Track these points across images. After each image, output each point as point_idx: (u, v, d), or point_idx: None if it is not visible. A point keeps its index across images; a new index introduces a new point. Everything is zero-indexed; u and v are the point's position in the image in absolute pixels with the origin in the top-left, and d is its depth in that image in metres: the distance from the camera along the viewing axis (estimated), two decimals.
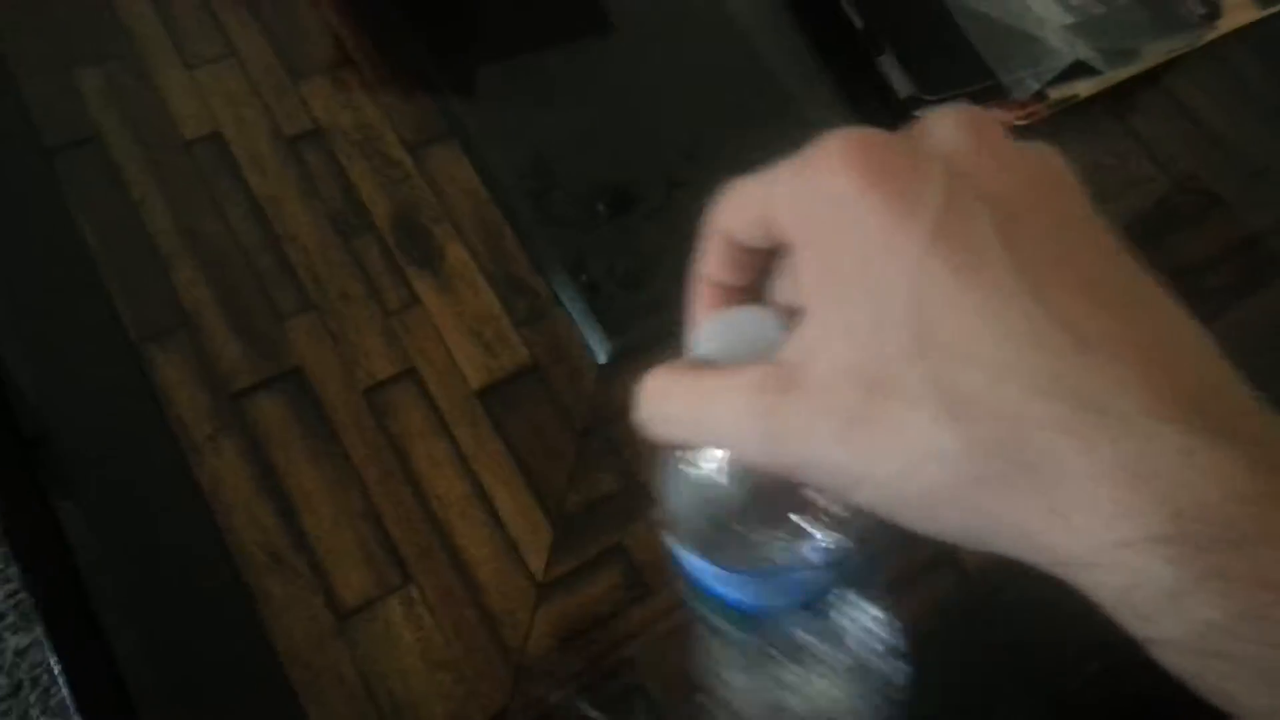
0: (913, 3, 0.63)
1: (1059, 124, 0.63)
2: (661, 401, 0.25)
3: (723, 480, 0.27)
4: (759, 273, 0.26)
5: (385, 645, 0.45)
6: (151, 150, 0.56)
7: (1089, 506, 0.19)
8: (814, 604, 0.31)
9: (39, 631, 0.57)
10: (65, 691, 0.42)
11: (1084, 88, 0.62)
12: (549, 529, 0.48)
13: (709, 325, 0.26)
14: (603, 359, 0.52)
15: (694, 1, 0.66)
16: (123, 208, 0.54)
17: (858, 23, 0.62)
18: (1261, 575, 0.18)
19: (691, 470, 0.27)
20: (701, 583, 0.30)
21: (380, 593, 0.46)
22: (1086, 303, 0.20)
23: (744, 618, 0.31)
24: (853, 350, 0.21)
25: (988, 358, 0.20)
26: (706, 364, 0.25)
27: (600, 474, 0.49)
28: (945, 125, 0.23)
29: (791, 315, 0.24)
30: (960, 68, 0.60)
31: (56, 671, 0.42)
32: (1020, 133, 0.62)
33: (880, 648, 0.36)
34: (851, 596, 0.33)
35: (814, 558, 0.27)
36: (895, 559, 0.29)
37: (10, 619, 0.58)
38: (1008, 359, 0.20)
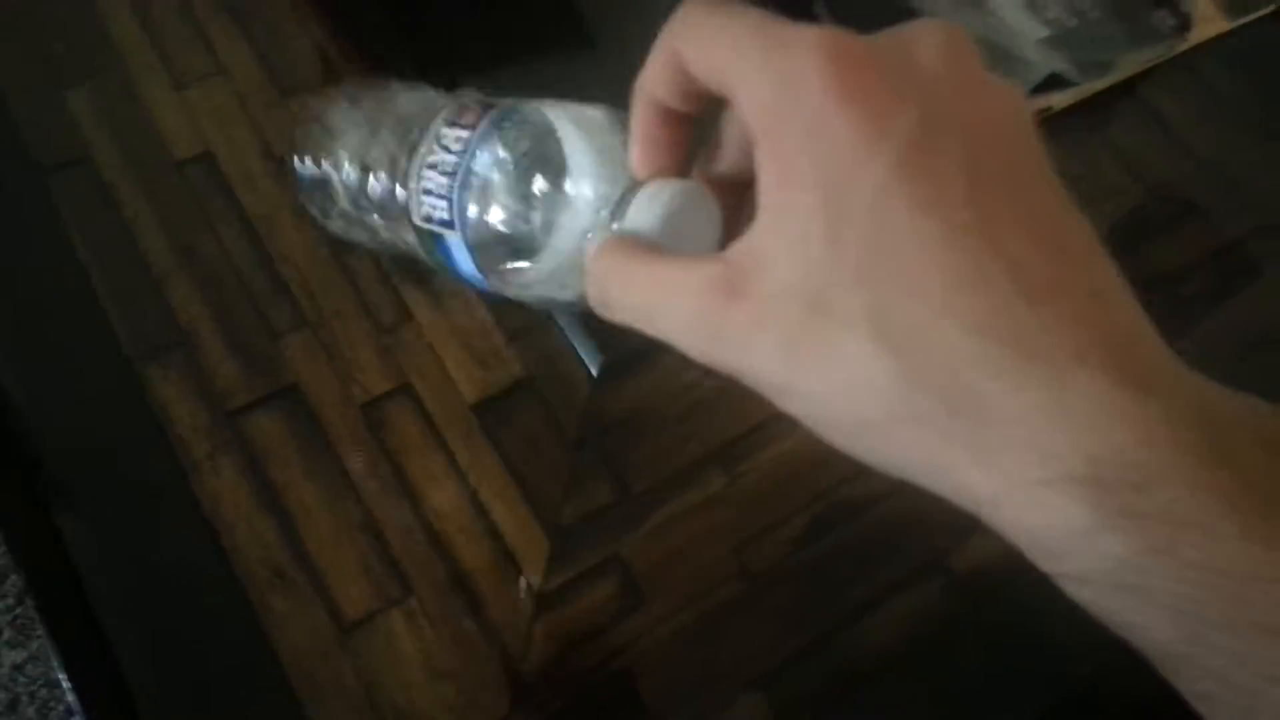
0: (887, 14, 0.64)
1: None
2: (615, 288, 0.26)
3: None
4: (701, 106, 0.26)
5: (387, 657, 0.45)
6: (143, 170, 0.57)
7: (1010, 447, 0.20)
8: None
9: (35, 646, 0.57)
10: (72, 700, 0.42)
11: (1059, 100, 0.64)
12: (546, 540, 0.48)
13: (648, 194, 0.27)
14: (595, 371, 0.53)
15: (674, 7, 0.67)
16: (116, 227, 0.55)
17: None
18: (1165, 514, 0.19)
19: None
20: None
21: (381, 605, 0.47)
22: (1033, 249, 0.21)
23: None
24: (801, 266, 0.22)
25: (931, 294, 0.21)
26: (652, 247, 0.26)
27: (595, 485, 0.50)
28: (930, 45, 0.23)
29: (728, 191, 0.25)
30: None
31: (64, 685, 0.42)
32: None
33: None
34: None
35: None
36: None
37: (7, 634, 0.59)
38: (950, 298, 0.20)
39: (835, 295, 0.21)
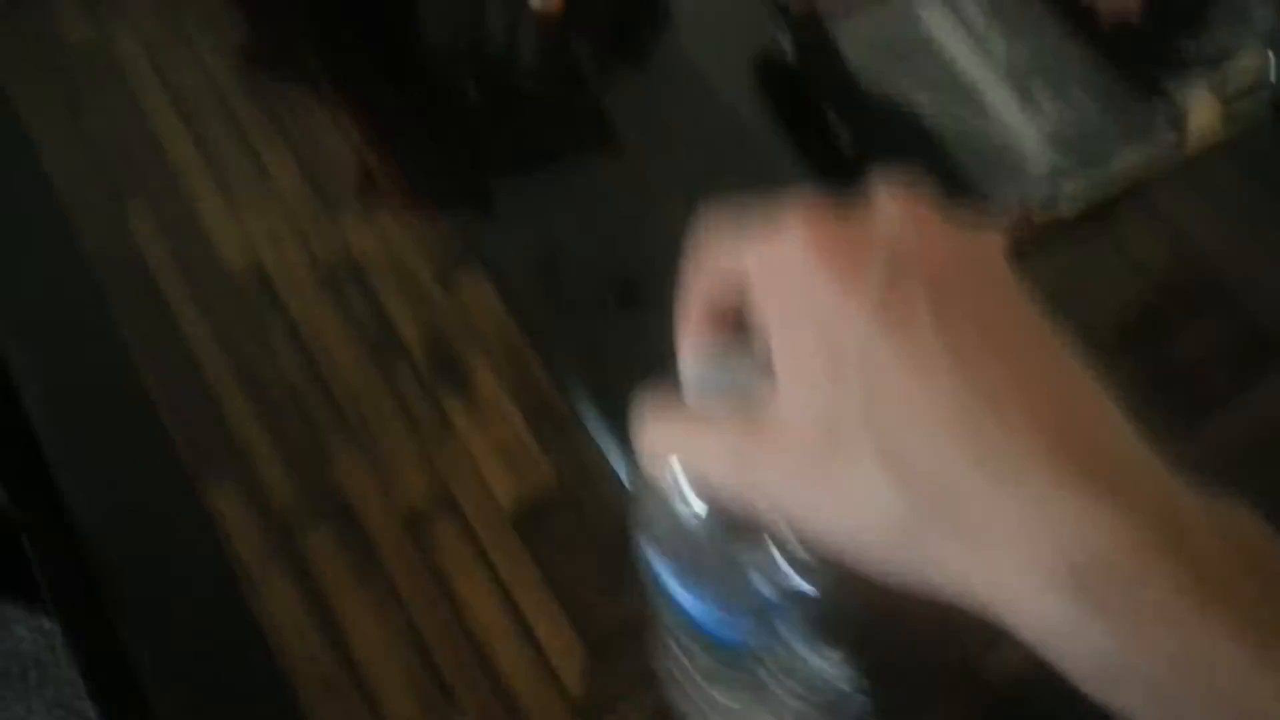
0: (897, 124, 0.67)
1: (1045, 238, 0.67)
2: (659, 444, 0.30)
3: (700, 512, 0.30)
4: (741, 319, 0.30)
5: None
6: (197, 281, 0.60)
7: (1003, 560, 0.23)
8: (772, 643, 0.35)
9: None
10: None
11: (1067, 206, 0.66)
12: (584, 652, 0.51)
13: (703, 372, 0.31)
14: (627, 480, 0.56)
15: (698, 120, 0.70)
16: (173, 341, 0.58)
17: (846, 146, 0.66)
18: (1142, 611, 0.22)
19: (674, 502, 0.31)
20: (672, 599, 0.33)
21: (427, 715, 0.49)
22: (998, 367, 0.24)
23: (706, 639, 0.35)
24: (813, 409, 0.25)
25: (918, 420, 0.24)
26: (694, 408, 0.30)
27: (631, 595, 0.52)
28: (890, 208, 0.26)
29: (762, 354, 0.28)
30: (945, 182, 0.64)
31: None
32: (1011, 245, 0.66)
33: (833, 681, 0.39)
34: (811, 641, 0.36)
35: (773, 592, 0.31)
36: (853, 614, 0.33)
37: None
38: (932, 421, 0.23)
39: (844, 430, 0.24)
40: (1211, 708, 0.22)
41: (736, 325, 0.31)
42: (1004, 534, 0.23)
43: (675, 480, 0.30)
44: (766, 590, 0.31)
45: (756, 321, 0.30)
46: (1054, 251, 0.67)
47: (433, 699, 0.49)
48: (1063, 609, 0.22)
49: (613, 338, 0.60)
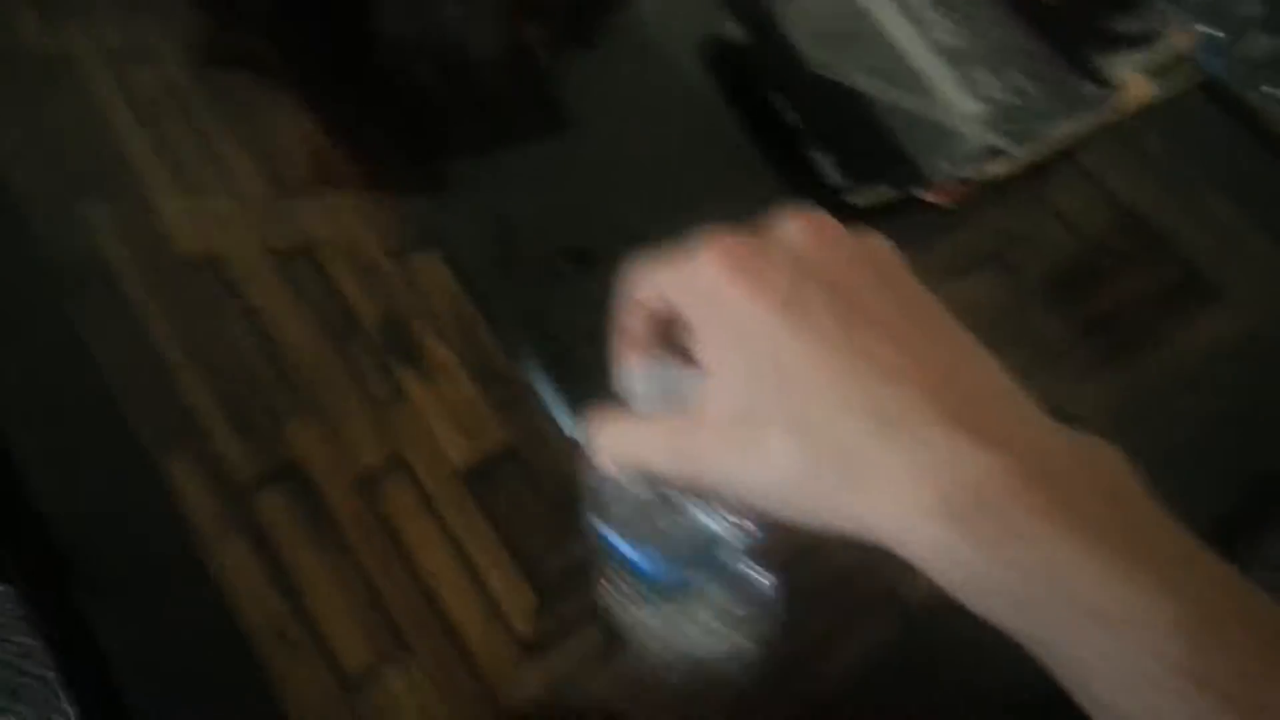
0: (839, 101, 0.70)
1: (980, 203, 0.69)
2: (611, 446, 0.36)
3: (642, 489, 0.38)
4: (672, 330, 0.36)
5: (389, 710, 0.49)
6: (151, 268, 0.62)
7: (890, 495, 0.27)
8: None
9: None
10: None
11: (999, 168, 0.69)
12: (533, 595, 0.52)
13: (643, 379, 0.37)
14: (574, 437, 0.57)
15: (650, 99, 0.72)
16: (127, 322, 0.59)
17: (792, 123, 0.69)
18: (1002, 531, 0.25)
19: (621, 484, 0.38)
20: (620, 556, 0.41)
21: (380, 661, 0.50)
22: (887, 344, 0.28)
23: (649, 582, 0.43)
24: (735, 395, 0.30)
25: (821, 394, 0.28)
26: (638, 413, 0.36)
27: (578, 542, 0.53)
28: (792, 227, 0.31)
29: (692, 362, 0.34)
30: (884, 159, 0.66)
31: None
32: (943, 214, 0.68)
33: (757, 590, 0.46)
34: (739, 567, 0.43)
35: (707, 538, 0.39)
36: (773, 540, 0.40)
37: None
38: (833, 394, 0.28)
39: (761, 410, 0.29)
40: (1065, 614, 0.25)
41: (666, 343, 0.36)
42: (889, 475, 0.27)
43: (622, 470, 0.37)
44: (701, 539, 0.39)
45: (685, 334, 0.35)
46: (988, 213, 0.70)
47: (387, 647, 0.51)
48: (939, 534, 0.26)
49: (565, 307, 0.62)
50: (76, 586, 0.51)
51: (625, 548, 0.41)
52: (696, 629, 0.46)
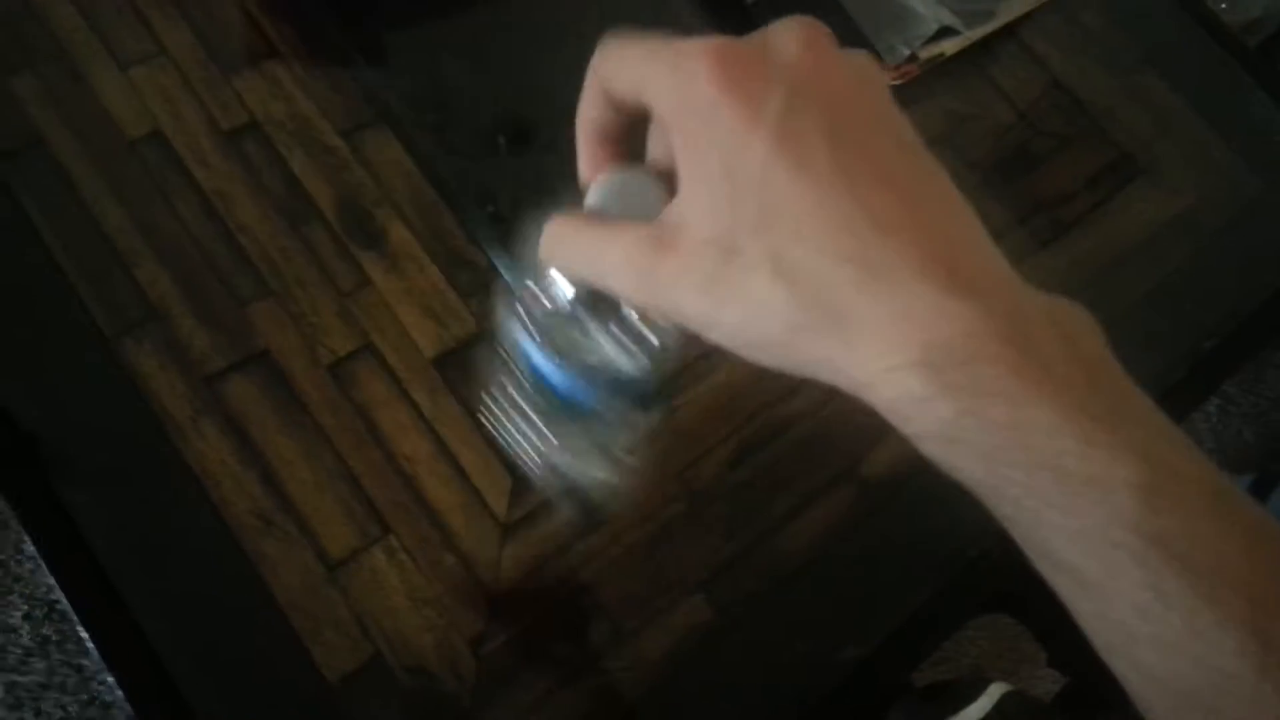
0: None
1: (929, 80, 0.70)
2: (561, 246, 0.32)
3: (568, 296, 0.35)
4: (632, 121, 0.32)
5: (373, 589, 0.51)
6: (96, 151, 0.60)
7: (870, 343, 0.27)
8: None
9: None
10: (86, 638, 0.47)
11: (949, 46, 0.69)
12: (508, 477, 0.54)
13: (600, 183, 0.33)
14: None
15: None
16: (77, 209, 0.58)
17: None
18: (977, 386, 0.26)
19: (548, 287, 0.35)
20: (533, 367, 0.38)
21: (363, 543, 0.52)
22: (884, 193, 0.27)
23: (556, 399, 0.40)
24: (713, 223, 0.28)
25: (810, 236, 0.27)
26: (598, 217, 0.32)
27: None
28: (788, 39, 0.28)
29: (662, 175, 0.31)
30: (840, 39, 0.66)
31: (84, 636, 0.47)
32: (895, 91, 0.69)
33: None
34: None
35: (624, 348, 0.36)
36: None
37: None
38: (822, 237, 0.27)
39: (741, 244, 0.27)
40: (1029, 469, 0.26)
41: (631, 142, 0.33)
42: (872, 323, 0.27)
43: (551, 274, 0.34)
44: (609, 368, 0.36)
45: (658, 138, 0.32)
46: (937, 93, 0.71)
47: (368, 528, 0.52)
48: (915, 385, 0.26)
49: (510, 187, 0.62)
50: (54, 477, 0.51)
51: (537, 356, 0.38)
52: (583, 453, 0.45)
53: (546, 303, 0.36)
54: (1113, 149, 0.71)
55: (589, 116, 0.33)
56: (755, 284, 0.27)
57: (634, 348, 0.36)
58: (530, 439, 0.46)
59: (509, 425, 0.46)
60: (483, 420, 0.49)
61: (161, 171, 0.60)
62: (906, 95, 0.69)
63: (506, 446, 0.47)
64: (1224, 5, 1.28)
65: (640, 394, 0.40)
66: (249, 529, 0.52)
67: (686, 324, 0.30)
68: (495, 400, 0.46)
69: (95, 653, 0.48)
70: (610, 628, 0.52)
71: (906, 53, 0.67)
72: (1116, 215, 0.69)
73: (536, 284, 0.36)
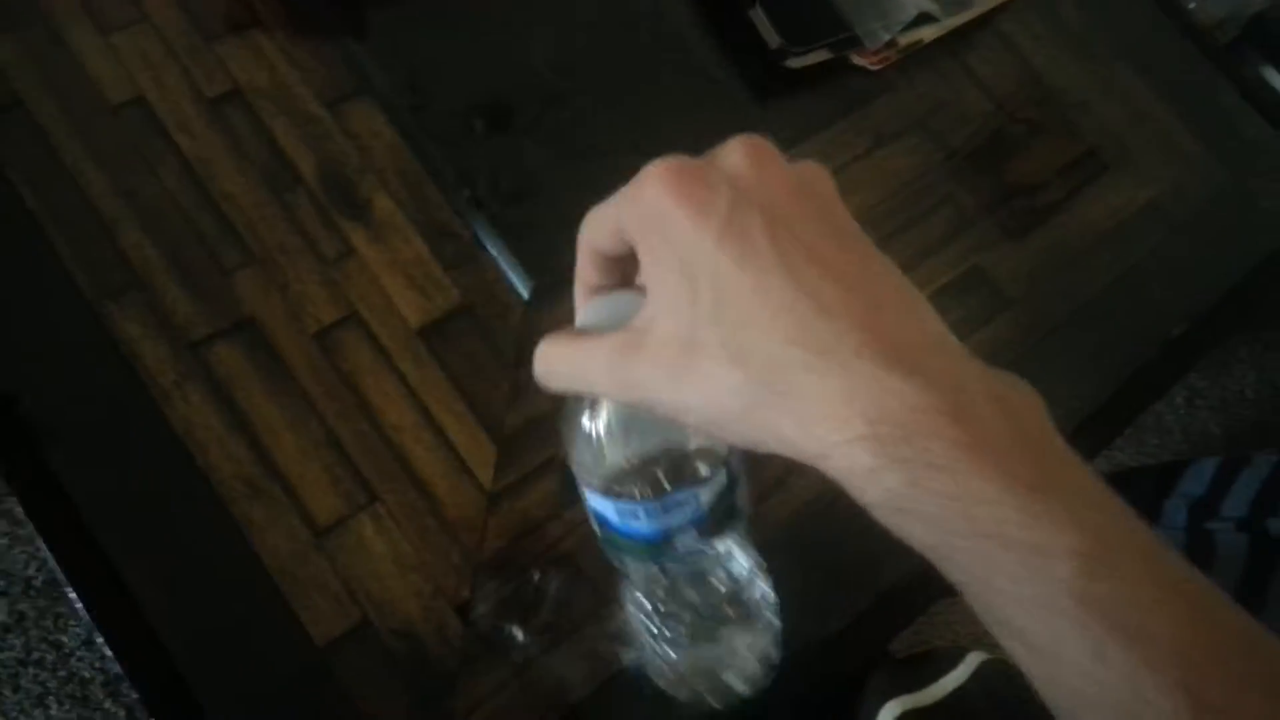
0: (816, 13, 0.70)
1: (908, 67, 0.71)
2: (550, 362, 0.35)
3: (611, 429, 0.37)
4: (625, 270, 0.36)
5: (360, 555, 0.52)
6: (78, 116, 0.59)
7: (820, 420, 0.29)
8: (698, 525, 0.40)
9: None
10: (76, 603, 0.47)
11: (927, 33, 0.71)
12: (493, 447, 0.55)
13: (591, 305, 0.36)
14: (526, 295, 0.59)
15: None
16: (58, 173, 0.57)
17: None
18: (920, 457, 0.28)
19: (587, 422, 0.37)
20: (604, 519, 0.40)
21: (350, 510, 0.52)
22: (826, 279, 0.30)
23: (643, 545, 0.40)
24: (675, 321, 0.31)
25: (756, 321, 0.29)
26: (583, 332, 0.35)
27: (534, 397, 0.56)
28: (734, 154, 0.32)
29: (641, 291, 0.34)
30: (820, 22, 0.68)
31: (72, 597, 0.47)
32: (874, 76, 0.70)
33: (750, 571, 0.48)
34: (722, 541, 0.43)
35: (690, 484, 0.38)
36: (748, 485, 0.40)
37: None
38: (769, 323, 0.29)
39: (700, 336, 0.30)
40: (975, 538, 0.28)
41: (621, 272, 0.36)
42: (821, 400, 0.29)
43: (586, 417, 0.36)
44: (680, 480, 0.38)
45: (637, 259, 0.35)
46: (914, 79, 0.72)
47: (355, 495, 0.53)
48: (864, 458, 0.28)
49: (488, 171, 0.62)
50: (41, 442, 0.51)
51: (598, 500, 0.39)
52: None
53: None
54: (1085, 139, 0.73)
55: (585, 279, 0.37)
56: (714, 369, 0.30)
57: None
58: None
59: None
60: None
61: (144, 137, 0.59)
62: (884, 82, 0.71)
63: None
64: (1192, 5, 1.31)
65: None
66: (236, 495, 0.52)
67: (663, 413, 0.32)
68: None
69: (74, 629, 0.48)
70: (593, 595, 0.53)
71: (886, 38, 0.68)
72: (1088, 204, 0.71)
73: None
